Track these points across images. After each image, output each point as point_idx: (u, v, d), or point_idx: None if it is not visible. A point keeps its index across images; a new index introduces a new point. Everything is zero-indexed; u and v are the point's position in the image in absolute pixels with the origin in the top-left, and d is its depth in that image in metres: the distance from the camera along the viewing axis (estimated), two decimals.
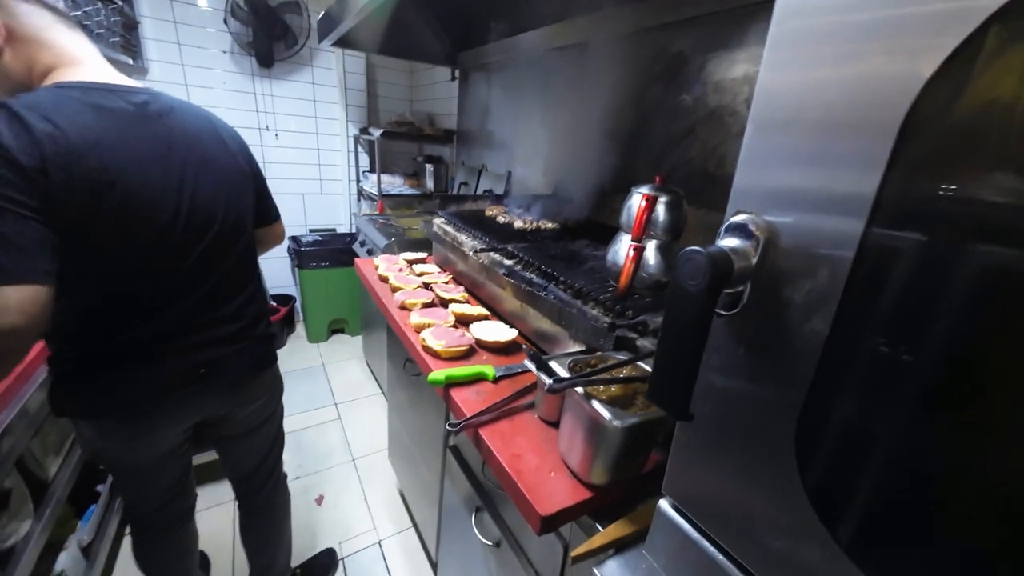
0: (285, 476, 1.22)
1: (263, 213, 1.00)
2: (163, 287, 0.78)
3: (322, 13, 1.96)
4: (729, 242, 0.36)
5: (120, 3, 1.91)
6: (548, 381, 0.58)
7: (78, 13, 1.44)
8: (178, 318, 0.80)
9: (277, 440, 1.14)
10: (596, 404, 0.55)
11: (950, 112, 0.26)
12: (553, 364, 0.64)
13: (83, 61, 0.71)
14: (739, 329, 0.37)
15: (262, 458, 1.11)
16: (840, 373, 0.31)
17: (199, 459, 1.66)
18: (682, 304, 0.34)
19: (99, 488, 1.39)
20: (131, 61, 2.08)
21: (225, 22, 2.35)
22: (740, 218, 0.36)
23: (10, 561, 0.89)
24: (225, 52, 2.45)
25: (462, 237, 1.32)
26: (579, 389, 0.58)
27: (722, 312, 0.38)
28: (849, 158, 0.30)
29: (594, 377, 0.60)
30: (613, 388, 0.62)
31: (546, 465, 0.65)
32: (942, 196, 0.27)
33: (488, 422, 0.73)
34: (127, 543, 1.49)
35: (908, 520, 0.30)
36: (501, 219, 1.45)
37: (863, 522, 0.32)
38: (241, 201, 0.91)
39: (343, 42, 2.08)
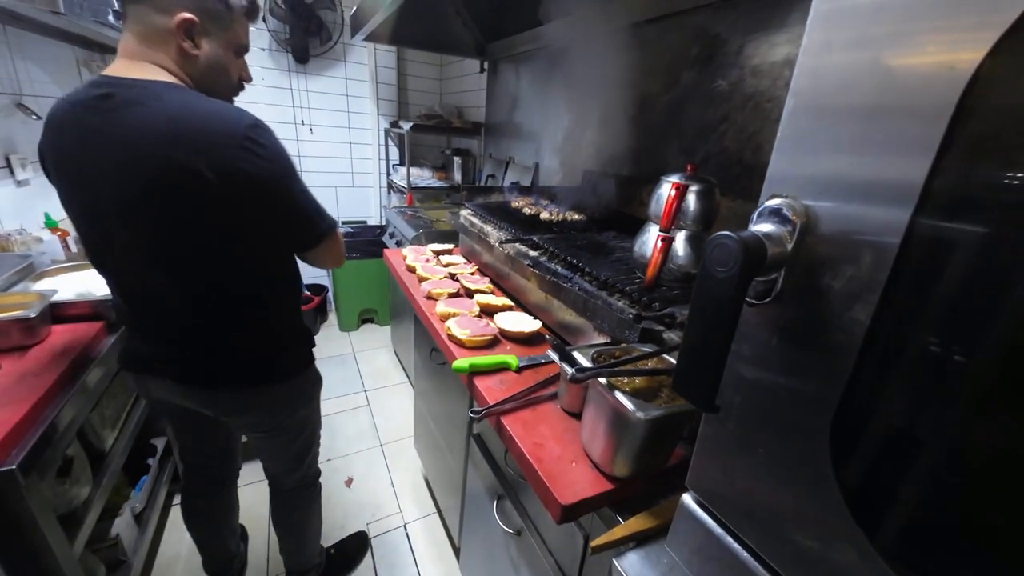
0: (316, 475, 1.22)
1: (292, 240, 0.89)
2: (100, 262, 0.85)
3: (355, 8, 2.00)
4: (763, 227, 0.34)
5: None
6: (571, 371, 0.58)
7: None
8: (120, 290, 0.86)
9: (298, 454, 1.11)
10: (619, 395, 0.55)
11: (1008, 93, 0.24)
12: (576, 354, 0.64)
13: (117, 57, 0.75)
14: (772, 319, 0.35)
15: (280, 464, 1.13)
16: (882, 368, 0.30)
17: None
18: (711, 291, 0.33)
19: (149, 461, 1.50)
20: None
21: (264, 20, 2.43)
22: (775, 202, 0.34)
23: (73, 524, 0.97)
24: (264, 49, 2.53)
25: (488, 228, 1.32)
26: (602, 380, 0.57)
27: (753, 301, 0.36)
28: (897, 143, 0.28)
29: (618, 368, 0.59)
30: (637, 380, 0.61)
31: (568, 455, 0.65)
32: (1001, 183, 0.25)
33: (510, 410, 0.73)
34: (175, 512, 1.60)
35: (952, 527, 0.28)
36: (527, 210, 1.44)
37: (903, 525, 0.30)
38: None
39: (375, 36, 2.12)
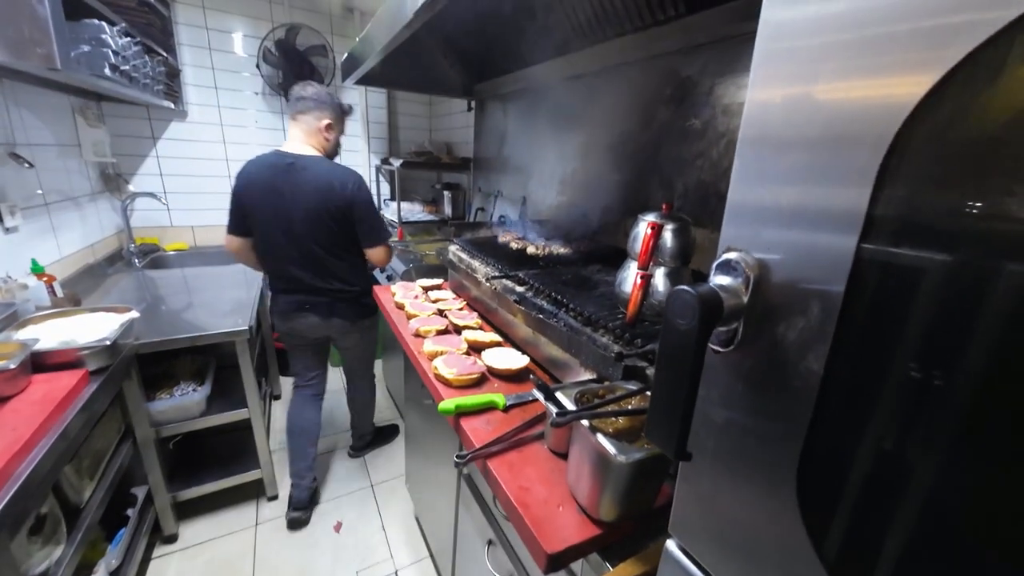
0: (372, 378, 2.02)
1: (362, 240, 1.59)
2: (275, 258, 1.57)
3: (346, 55, 2.09)
4: (720, 280, 0.36)
5: (165, 55, 2.08)
6: (553, 412, 0.58)
7: (127, 67, 1.58)
8: (286, 276, 1.58)
9: (367, 360, 1.95)
10: (601, 438, 0.55)
11: (942, 129, 0.26)
12: (560, 395, 0.64)
13: (288, 139, 1.53)
14: (736, 365, 0.37)
15: (357, 365, 1.95)
16: (840, 412, 0.31)
17: (210, 488, 1.71)
18: (674, 342, 0.34)
19: (128, 512, 1.44)
20: (172, 106, 2.26)
21: (258, 66, 2.53)
22: (730, 255, 0.36)
23: None
24: (257, 93, 2.62)
25: (476, 264, 1.34)
26: (584, 422, 0.57)
27: (718, 349, 0.37)
28: (837, 176, 0.30)
29: (599, 410, 0.59)
30: (620, 420, 0.61)
31: (554, 498, 0.64)
32: (934, 219, 0.26)
33: (497, 453, 0.72)
34: (156, 566, 1.53)
35: (918, 563, 0.29)
36: (514, 245, 1.47)
37: (868, 566, 0.30)
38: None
39: (366, 80, 2.20)
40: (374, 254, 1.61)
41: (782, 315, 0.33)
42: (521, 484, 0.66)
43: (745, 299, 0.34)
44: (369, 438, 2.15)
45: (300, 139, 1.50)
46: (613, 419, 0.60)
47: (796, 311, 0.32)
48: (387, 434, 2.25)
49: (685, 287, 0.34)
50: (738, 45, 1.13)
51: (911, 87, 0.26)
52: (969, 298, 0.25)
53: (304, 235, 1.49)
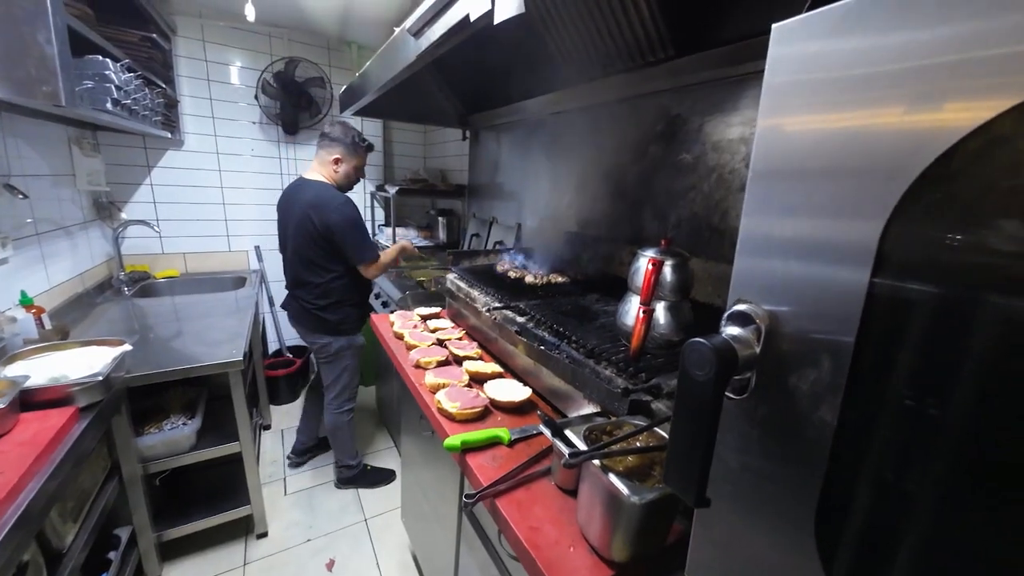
0: (344, 400, 1.98)
1: (350, 258, 1.77)
2: (284, 260, 1.90)
3: (344, 87, 2.14)
4: (732, 330, 0.38)
5: (164, 87, 2.11)
6: (565, 454, 0.58)
7: (128, 100, 1.59)
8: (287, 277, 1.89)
9: (335, 382, 1.95)
10: (614, 478, 0.55)
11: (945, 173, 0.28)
12: (569, 433, 0.65)
13: (310, 168, 1.85)
14: (750, 412, 0.38)
15: (327, 384, 1.97)
16: (856, 460, 0.32)
17: (197, 526, 1.65)
18: (692, 393, 0.35)
19: (111, 555, 1.37)
20: (169, 135, 2.27)
21: (256, 97, 2.57)
22: (741, 307, 0.38)
23: None
24: (254, 123, 2.66)
25: (475, 293, 1.36)
26: (596, 461, 0.58)
27: (732, 396, 0.39)
28: (850, 207, 0.31)
29: (611, 450, 0.60)
30: (630, 457, 0.61)
31: (565, 539, 0.64)
32: (957, 256, 0.27)
33: (504, 491, 0.72)
34: None
35: None
36: (512, 274, 1.49)
37: None
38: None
39: (363, 111, 2.25)
40: (362, 271, 1.82)
41: (793, 366, 0.35)
42: (531, 524, 0.66)
43: (757, 349, 0.36)
44: (349, 473, 2.08)
45: (315, 168, 1.83)
46: (622, 456, 0.61)
47: (807, 362, 0.34)
48: (375, 477, 2.15)
49: (700, 340, 0.35)
50: (726, 87, 1.19)
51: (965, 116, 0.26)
52: (990, 341, 0.27)
53: (292, 246, 1.79)
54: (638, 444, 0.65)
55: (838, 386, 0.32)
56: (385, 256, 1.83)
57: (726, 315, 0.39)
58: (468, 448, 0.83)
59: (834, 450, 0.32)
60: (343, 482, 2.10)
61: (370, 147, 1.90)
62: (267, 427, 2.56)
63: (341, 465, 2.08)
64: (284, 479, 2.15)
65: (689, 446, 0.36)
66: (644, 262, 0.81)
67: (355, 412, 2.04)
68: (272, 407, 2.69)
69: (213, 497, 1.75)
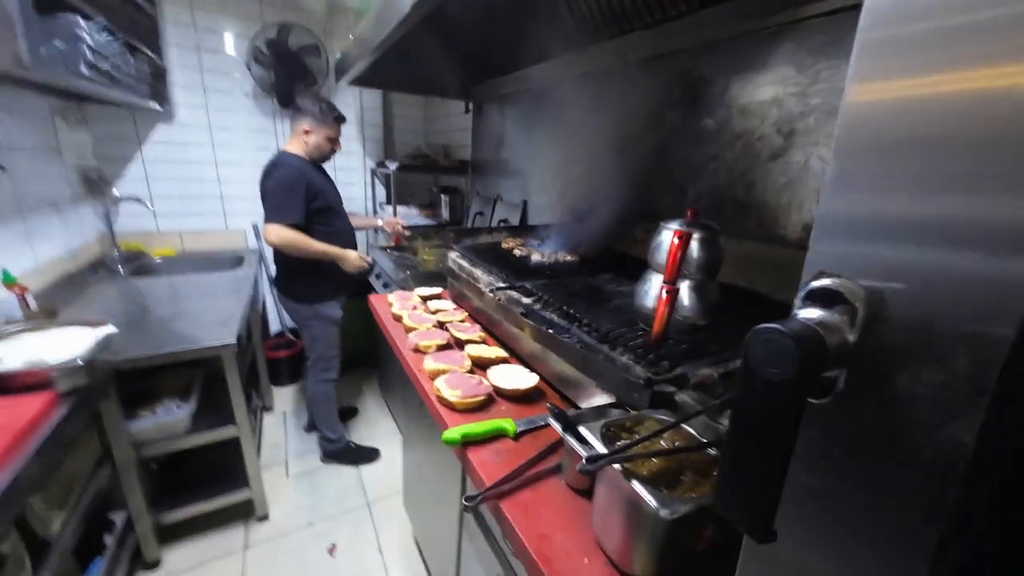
0: (319, 370, 1.99)
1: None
2: None
3: (339, 54, 2.01)
4: (810, 313, 0.28)
5: (150, 54, 1.99)
6: (583, 457, 0.50)
7: (107, 66, 1.49)
8: None
9: (311, 348, 1.98)
10: (638, 487, 0.47)
11: None
12: (583, 430, 0.56)
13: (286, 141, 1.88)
14: (834, 421, 0.29)
15: (306, 349, 2.01)
16: (1000, 502, 0.23)
17: (195, 510, 1.62)
18: (761, 397, 0.26)
19: (106, 539, 1.34)
20: (159, 108, 2.16)
21: (248, 67, 2.44)
22: (826, 282, 0.28)
23: None
24: (247, 95, 2.53)
25: (478, 273, 1.26)
26: (617, 465, 0.50)
27: (810, 400, 0.29)
28: (1002, 180, 0.22)
29: (634, 450, 0.51)
30: (655, 459, 0.53)
31: (578, 549, 0.56)
32: None
33: (509, 492, 0.64)
34: None
35: None
36: (518, 252, 1.40)
37: None
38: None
39: (360, 80, 2.12)
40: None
41: (906, 363, 0.25)
42: (540, 531, 0.58)
43: (851, 338, 0.27)
44: (330, 447, 2.09)
45: (290, 140, 1.84)
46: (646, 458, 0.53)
47: (930, 360, 0.24)
48: (357, 456, 2.13)
49: (772, 325, 0.26)
50: (756, 42, 1.06)
51: None
52: None
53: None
54: (662, 443, 0.57)
55: (981, 395, 0.23)
56: (305, 238, 1.71)
57: (801, 294, 0.29)
58: (469, 441, 0.75)
59: (968, 483, 0.23)
60: (327, 456, 2.12)
61: (340, 118, 1.83)
62: (269, 409, 2.53)
63: (322, 437, 2.09)
64: (286, 461, 2.12)
65: (754, 467, 0.27)
66: (668, 235, 0.72)
67: (358, 396, 2.00)
68: (274, 388, 2.65)
69: (212, 481, 1.71)
